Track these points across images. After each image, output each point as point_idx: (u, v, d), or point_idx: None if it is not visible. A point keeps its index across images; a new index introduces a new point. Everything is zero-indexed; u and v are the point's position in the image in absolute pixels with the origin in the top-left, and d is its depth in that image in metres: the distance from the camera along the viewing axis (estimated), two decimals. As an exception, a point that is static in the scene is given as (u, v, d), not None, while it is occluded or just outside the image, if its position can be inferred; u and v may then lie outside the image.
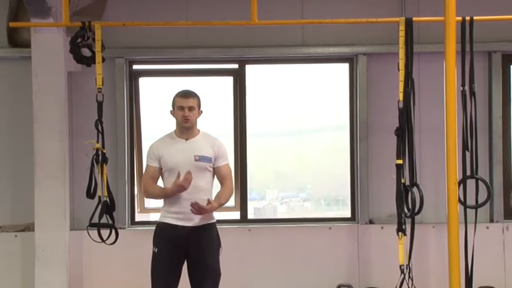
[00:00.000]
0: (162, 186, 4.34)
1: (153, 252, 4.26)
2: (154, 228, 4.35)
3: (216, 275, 4.27)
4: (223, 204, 4.33)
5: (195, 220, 4.20)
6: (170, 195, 4.22)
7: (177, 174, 4.15)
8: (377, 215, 5.54)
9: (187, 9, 5.47)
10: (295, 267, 5.47)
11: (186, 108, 4.28)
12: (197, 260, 4.23)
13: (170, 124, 4.45)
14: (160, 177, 4.35)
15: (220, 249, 4.33)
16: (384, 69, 5.34)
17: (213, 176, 4.36)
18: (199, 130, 4.40)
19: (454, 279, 4.07)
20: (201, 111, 4.39)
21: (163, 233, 4.26)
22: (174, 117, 4.37)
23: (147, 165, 4.37)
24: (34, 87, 5.06)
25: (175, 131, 4.40)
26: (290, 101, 5.82)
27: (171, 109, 4.39)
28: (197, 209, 4.12)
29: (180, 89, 4.40)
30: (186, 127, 4.31)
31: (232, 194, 4.42)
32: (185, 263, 4.29)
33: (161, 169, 4.31)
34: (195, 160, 4.23)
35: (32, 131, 5.07)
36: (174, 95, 4.38)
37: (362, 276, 5.48)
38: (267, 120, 5.86)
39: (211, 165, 4.30)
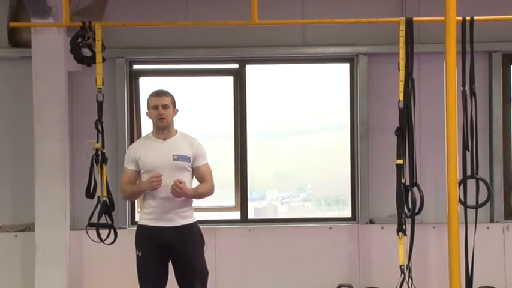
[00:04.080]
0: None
1: (137, 256, 4.21)
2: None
3: (204, 274, 4.25)
4: (200, 194, 4.26)
5: (175, 220, 4.16)
6: (144, 190, 4.18)
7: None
8: (377, 215, 5.54)
9: (188, 9, 5.47)
10: (296, 267, 5.47)
11: (160, 106, 4.22)
12: (183, 262, 4.20)
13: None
14: (139, 179, 4.30)
15: (205, 247, 4.30)
16: (384, 69, 5.34)
17: (192, 176, 4.31)
18: (177, 130, 4.35)
19: (455, 279, 4.06)
20: (177, 110, 4.34)
21: (145, 236, 4.21)
22: (149, 118, 4.33)
23: (125, 168, 4.32)
24: (34, 87, 5.06)
25: (152, 131, 4.35)
26: (290, 101, 5.81)
27: (147, 111, 4.35)
28: (175, 188, 4.07)
29: (153, 90, 4.36)
30: (162, 126, 4.25)
31: (211, 190, 4.32)
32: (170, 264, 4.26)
33: (139, 172, 4.26)
34: (174, 160, 4.18)
35: (32, 131, 5.07)
36: (147, 97, 4.34)
37: (362, 276, 5.48)
38: (267, 120, 5.86)
39: (190, 165, 4.25)
